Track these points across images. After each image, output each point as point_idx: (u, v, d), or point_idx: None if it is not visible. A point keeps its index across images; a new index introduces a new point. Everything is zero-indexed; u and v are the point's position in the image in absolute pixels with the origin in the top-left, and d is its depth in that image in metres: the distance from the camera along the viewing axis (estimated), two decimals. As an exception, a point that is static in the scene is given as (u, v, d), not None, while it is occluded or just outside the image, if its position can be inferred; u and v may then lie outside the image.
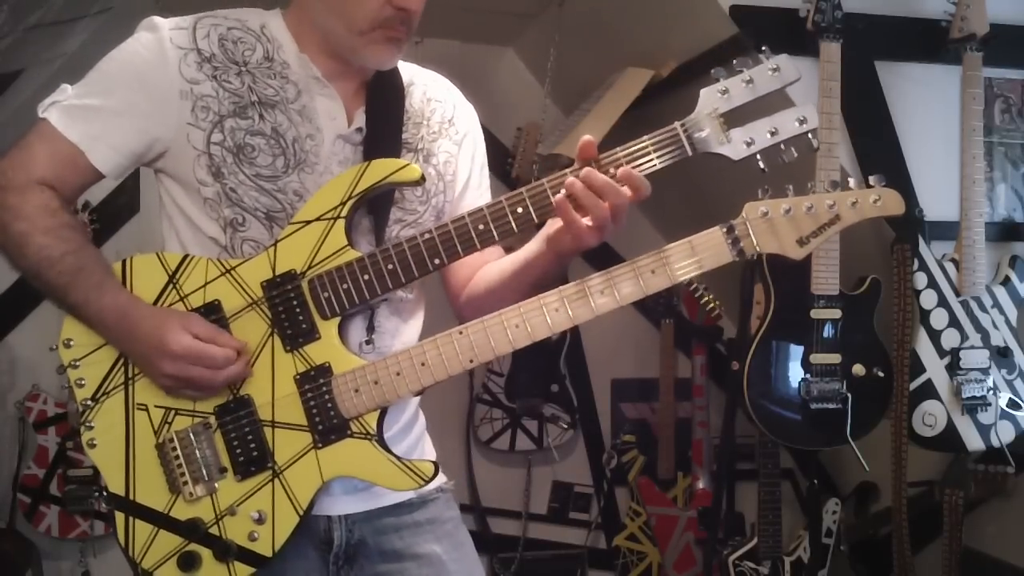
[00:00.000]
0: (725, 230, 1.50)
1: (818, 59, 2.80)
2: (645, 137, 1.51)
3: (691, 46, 3.17)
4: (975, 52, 2.87)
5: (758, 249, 1.50)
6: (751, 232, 1.50)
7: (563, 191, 1.48)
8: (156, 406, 1.56)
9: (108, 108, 1.57)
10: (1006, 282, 2.97)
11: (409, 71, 1.74)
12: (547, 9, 3.74)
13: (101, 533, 3.68)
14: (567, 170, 1.52)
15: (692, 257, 1.50)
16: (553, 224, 1.55)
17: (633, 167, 1.49)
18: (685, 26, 3.17)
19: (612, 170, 1.49)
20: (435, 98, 1.75)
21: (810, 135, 1.53)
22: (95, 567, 3.75)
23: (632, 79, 3.36)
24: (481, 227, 1.52)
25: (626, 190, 1.47)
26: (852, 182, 1.53)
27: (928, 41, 2.99)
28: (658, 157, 1.50)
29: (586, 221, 1.49)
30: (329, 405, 1.52)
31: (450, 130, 1.74)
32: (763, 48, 1.54)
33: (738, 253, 1.50)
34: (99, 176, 1.60)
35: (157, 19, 1.60)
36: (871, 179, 1.52)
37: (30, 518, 3.63)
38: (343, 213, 1.54)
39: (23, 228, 1.53)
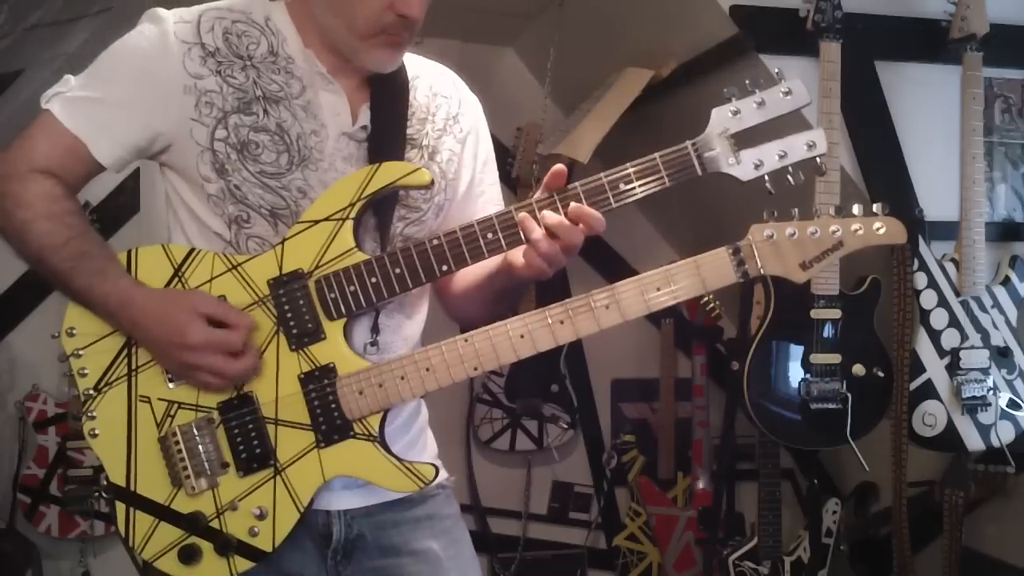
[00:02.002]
0: (731, 251, 1.53)
1: (818, 59, 2.80)
2: (656, 155, 1.52)
3: (691, 46, 3.16)
4: (975, 52, 2.87)
5: (762, 271, 1.52)
6: (756, 254, 1.52)
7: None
8: (159, 399, 1.56)
9: (110, 101, 1.56)
10: (1006, 282, 2.97)
11: (415, 64, 1.72)
12: (547, 9, 3.74)
13: (101, 533, 3.68)
14: (572, 186, 1.52)
15: (696, 276, 1.53)
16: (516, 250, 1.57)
17: (642, 184, 1.51)
18: (685, 26, 3.16)
19: (573, 203, 1.51)
20: (441, 93, 1.73)
21: (818, 159, 1.56)
22: (95, 567, 3.75)
23: (632, 79, 3.36)
24: (490, 236, 1.53)
25: (580, 227, 1.50)
26: (856, 208, 1.55)
27: (928, 41, 2.99)
28: (668, 175, 1.51)
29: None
30: (333, 406, 1.53)
31: (454, 127, 1.73)
32: (777, 70, 1.56)
33: (742, 275, 1.53)
34: (101, 168, 1.59)
35: (161, 11, 1.58)
36: (875, 207, 1.55)
37: (30, 518, 3.63)
38: (352, 215, 1.54)
39: (26, 215, 1.53)
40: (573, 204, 1.50)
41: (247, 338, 1.52)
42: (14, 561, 3.54)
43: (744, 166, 1.53)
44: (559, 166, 1.52)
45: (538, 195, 1.54)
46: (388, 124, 1.65)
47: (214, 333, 1.49)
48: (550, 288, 2.61)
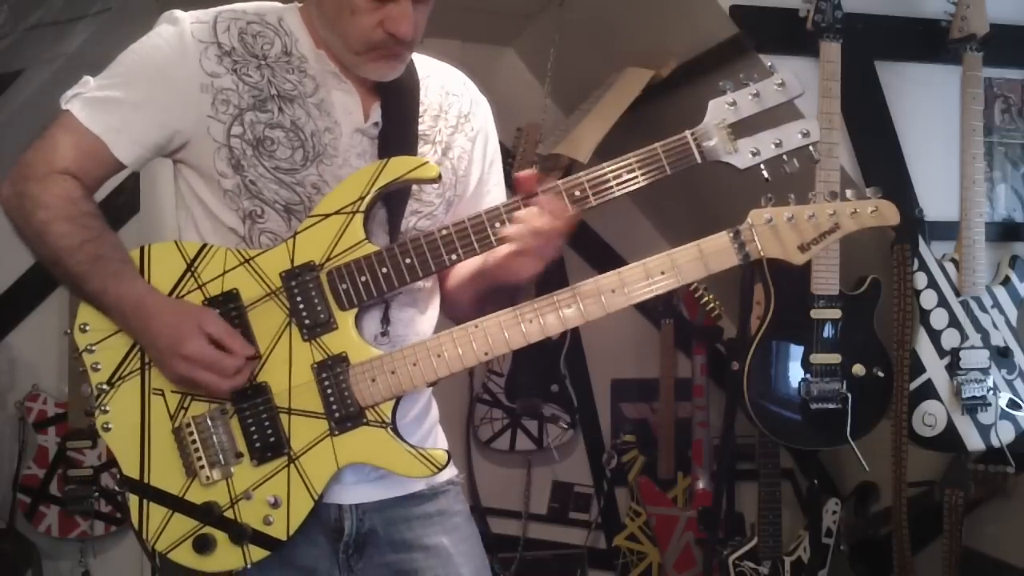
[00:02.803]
0: (731, 235, 1.57)
1: (818, 59, 2.80)
2: (656, 144, 1.57)
3: (691, 46, 3.17)
4: (975, 52, 2.88)
5: (762, 254, 1.57)
6: (756, 237, 1.57)
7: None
8: (172, 391, 1.58)
9: (129, 100, 1.59)
10: (1006, 282, 2.97)
11: (426, 65, 1.76)
12: (547, 9, 3.75)
13: (101, 533, 3.69)
14: (567, 179, 1.57)
15: (700, 259, 1.57)
16: (497, 251, 1.60)
17: (643, 173, 1.56)
18: (685, 26, 3.17)
19: (577, 193, 1.56)
20: (452, 92, 1.77)
21: (811, 148, 1.61)
22: (95, 567, 3.75)
23: (632, 79, 3.36)
24: (498, 225, 1.57)
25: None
26: (851, 193, 1.61)
27: (928, 41, 2.99)
28: (668, 164, 1.56)
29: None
30: (346, 393, 1.55)
31: (466, 126, 1.77)
32: (770, 63, 1.62)
33: (743, 257, 1.57)
34: (121, 167, 1.62)
35: (178, 12, 1.62)
36: (869, 191, 1.61)
37: (30, 518, 3.63)
38: (362, 208, 1.57)
39: (44, 217, 1.55)
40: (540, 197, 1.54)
41: (241, 365, 1.53)
42: (14, 561, 3.54)
43: (741, 155, 1.59)
44: (529, 172, 1.57)
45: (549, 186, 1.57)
46: (400, 121, 1.68)
47: (210, 351, 1.51)
48: (549, 286, 2.62)
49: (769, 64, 1.62)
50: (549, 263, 1.58)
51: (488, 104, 1.83)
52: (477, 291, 1.72)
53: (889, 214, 1.60)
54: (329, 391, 1.55)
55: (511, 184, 3.94)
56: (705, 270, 1.57)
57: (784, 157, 1.61)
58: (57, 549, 3.75)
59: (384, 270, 1.56)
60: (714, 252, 1.57)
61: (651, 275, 1.57)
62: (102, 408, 1.59)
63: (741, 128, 1.59)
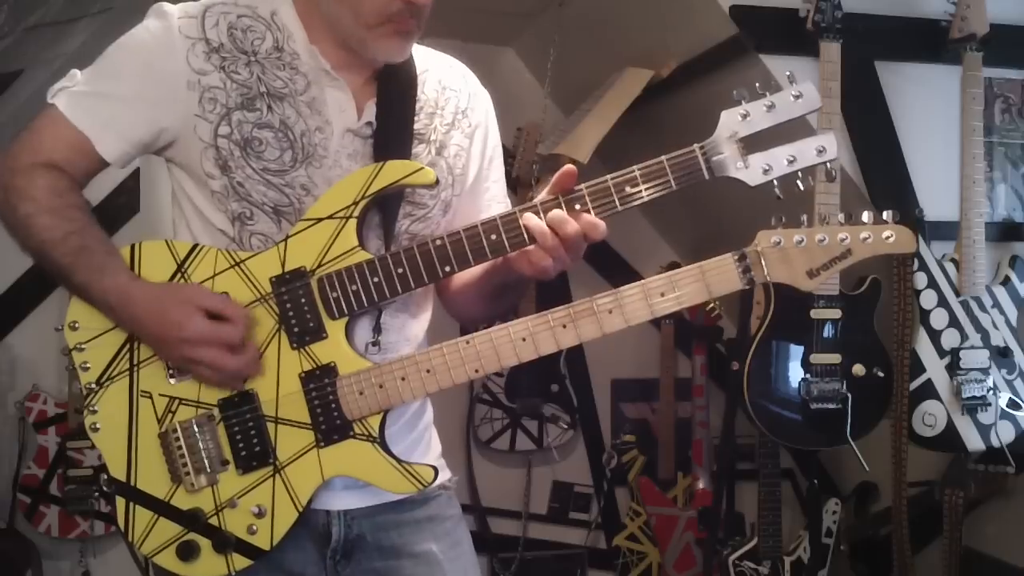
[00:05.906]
0: (736, 258, 1.50)
1: (818, 59, 2.80)
2: (663, 157, 1.49)
3: (691, 46, 3.17)
4: (975, 52, 2.87)
5: (768, 278, 1.50)
6: (762, 261, 1.49)
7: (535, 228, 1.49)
8: (160, 394, 1.56)
9: (116, 96, 1.56)
10: (1006, 282, 2.96)
11: (424, 57, 1.70)
12: (547, 9, 3.74)
13: (101, 533, 3.68)
14: (578, 188, 1.51)
15: (702, 282, 1.50)
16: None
17: (648, 187, 1.48)
18: (685, 26, 3.17)
19: (577, 206, 1.49)
20: (450, 87, 1.71)
21: (828, 165, 1.52)
22: (95, 567, 3.74)
23: (632, 79, 3.36)
24: (493, 237, 1.51)
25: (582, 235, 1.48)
26: (866, 216, 1.52)
27: (928, 41, 2.99)
28: (674, 179, 1.48)
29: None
30: (333, 405, 1.52)
31: (463, 122, 1.71)
32: (788, 72, 1.53)
33: (748, 282, 1.50)
34: (105, 164, 1.59)
35: (166, 6, 1.58)
36: (884, 214, 1.52)
37: (30, 518, 3.63)
38: (355, 213, 1.53)
39: (28, 209, 1.53)
40: (586, 219, 1.48)
41: (246, 333, 1.51)
42: (14, 561, 3.54)
43: (752, 171, 1.49)
44: (570, 166, 1.50)
45: (543, 196, 1.52)
46: (394, 120, 1.63)
47: (212, 326, 1.49)
48: (551, 290, 2.61)
49: (788, 72, 1.52)
50: (559, 271, 1.53)
51: (489, 97, 1.77)
52: (492, 287, 1.67)
53: (905, 241, 1.51)
54: (316, 402, 1.53)
55: (511, 184, 3.94)
56: (707, 294, 1.50)
57: (799, 174, 1.50)
58: (57, 549, 3.74)
59: (376, 279, 1.52)
60: (717, 276, 1.49)
61: (650, 297, 1.50)
62: (90, 408, 1.57)
63: (752, 142, 1.50)
